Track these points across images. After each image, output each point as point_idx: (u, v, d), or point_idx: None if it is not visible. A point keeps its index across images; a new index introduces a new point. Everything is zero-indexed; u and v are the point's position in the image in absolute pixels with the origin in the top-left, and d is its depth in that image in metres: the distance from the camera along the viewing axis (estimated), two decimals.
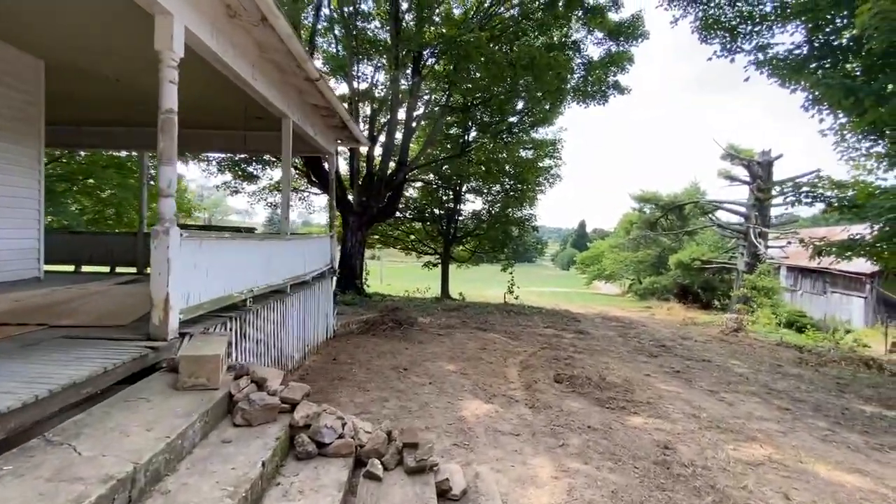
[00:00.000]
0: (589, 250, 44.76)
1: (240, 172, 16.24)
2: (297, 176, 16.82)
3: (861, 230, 7.04)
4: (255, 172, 16.28)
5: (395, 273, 41.28)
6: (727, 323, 16.30)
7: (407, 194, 22.29)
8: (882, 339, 15.04)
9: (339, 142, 8.52)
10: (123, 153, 14.74)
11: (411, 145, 17.60)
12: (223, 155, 16.64)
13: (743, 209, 22.27)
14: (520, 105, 16.76)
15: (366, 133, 16.48)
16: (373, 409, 4.93)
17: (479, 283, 32.35)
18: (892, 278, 13.90)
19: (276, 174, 17.35)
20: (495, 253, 20.04)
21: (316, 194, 18.12)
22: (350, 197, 15.76)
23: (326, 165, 8.08)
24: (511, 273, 17.66)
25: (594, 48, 20.41)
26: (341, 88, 16.67)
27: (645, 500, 3.34)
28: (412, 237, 22.50)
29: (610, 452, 4.18)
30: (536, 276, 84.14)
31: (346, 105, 16.24)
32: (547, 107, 14.24)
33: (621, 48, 15.32)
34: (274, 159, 16.17)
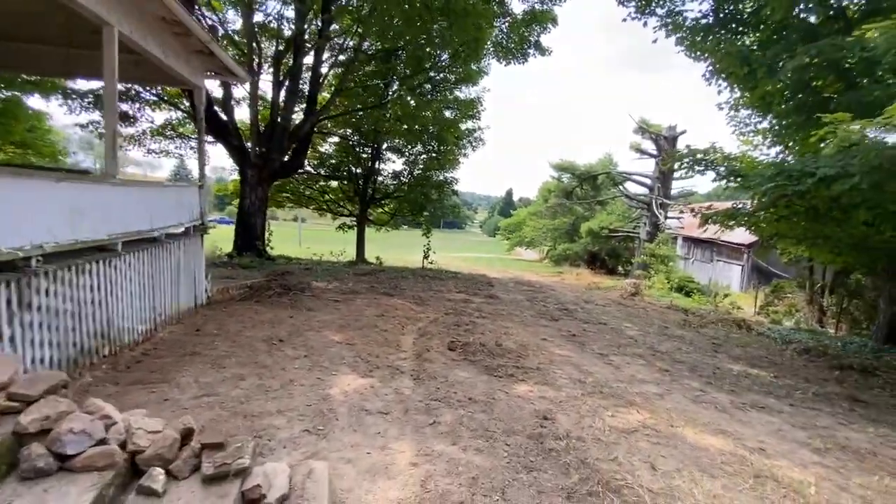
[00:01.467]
0: (511, 218, 45.73)
1: None
2: (186, 120, 14.60)
3: (744, 201, 7.40)
4: (130, 112, 13.78)
5: (316, 236, 39.05)
6: (626, 287, 17.34)
7: (322, 150, 20.70)
8: (753, 302, 16.88)
9: (210, 74, 7.14)
10: None
11: (323, 94, 16.06)
12: (92, 89, 13.90)
13: (648, 181, 23.60)
14: (443, 57, 15.79)
15: (270, 77, 14.64)
16: (220, 391, 4.16)
17: (402, 248, 31.70)
18: (765, 246, 15.46)
19: (159, 117, 14.92)
20: (414, 216, 19.39)
21: (211, 143, 15.96)
22: (249, 147, 14.03)
23: (199, 102, 6.75)
24: (428, 237, 17.18)
25: (518, 4, 19.64)
26: (239, 23, 14.52)
27: (507, 485, 3.00)
28: (328, 196, 21.07)
29: (483, 429, 3.83)
30: (463, 243, 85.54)
31: (245, 41, 14.19)
32: (466, 59, 13.43)
33: (545, 7, 14.83)
34: (156, 97, 13.81)
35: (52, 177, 3.66)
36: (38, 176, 3.56)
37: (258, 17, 13.58)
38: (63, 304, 3.81)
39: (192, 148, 16.26)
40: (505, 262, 40.77)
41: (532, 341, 7.24)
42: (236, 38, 14.83)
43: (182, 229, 6.47)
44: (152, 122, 14.57)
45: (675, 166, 7.82)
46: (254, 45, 13.91)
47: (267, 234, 15.11)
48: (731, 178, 6.81)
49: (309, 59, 14.48)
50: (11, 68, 7.05)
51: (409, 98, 14.02)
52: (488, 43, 13.64)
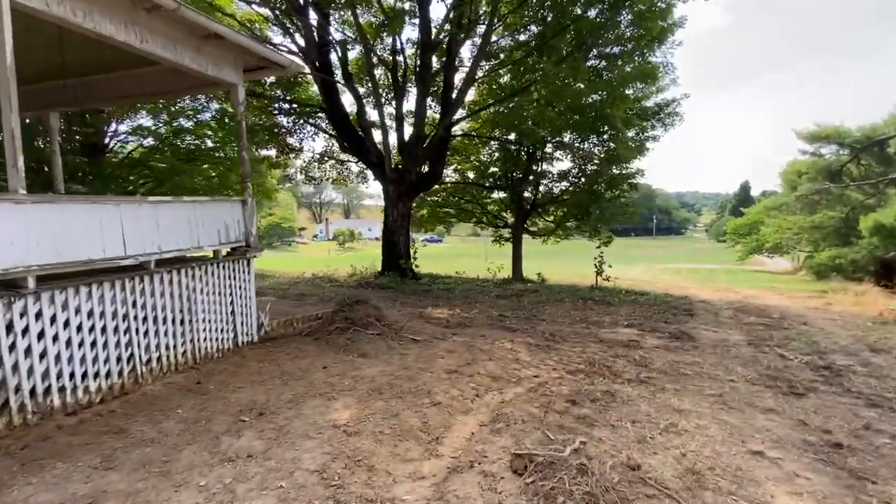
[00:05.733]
0: (744, 216, 35.29)
1: (282, 145, 15.00)
2: (333, 144, 15.06)
3: None
4: (294, 144, 14.95)
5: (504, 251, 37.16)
6: None
7: (484, 158, 19.08)
8: None
9: (254, 69, 6.03)
10: None
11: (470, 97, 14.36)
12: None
13: None
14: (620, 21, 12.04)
15: (413, 88, 13.71)
16: None
17: (586, 260, 27.50)
18: None
19: (318, 145, 15.78)
20: (580, 222, 15.71)
21: (353, 162, 16.11)
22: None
23: (235, 102, 5.68)
24: (599, 246, 13.45)
25: None
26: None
27: None
28: (492, 208, 19.25)
29: None
30: (682, 251, 72.70)
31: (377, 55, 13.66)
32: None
33: None
34: (314, 127, 14.58)
35: None
36: None
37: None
38: None
39: (355, 173, 16.89)
40: (735, 275, 31.49)
41: (726, 457, 3.49)
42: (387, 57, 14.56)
43: (210, 252, 5.38)
44: (312, 151, 15.56)
45: None
46: (398, 57, 13.33)
47: (413, 251, 14.13)
48: None
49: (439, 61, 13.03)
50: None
51: (558, 73, 10.83)
52: None
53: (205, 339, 5.22)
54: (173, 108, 15.23)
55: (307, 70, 6.62)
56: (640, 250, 73.72)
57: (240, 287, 5.74)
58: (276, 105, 13.78)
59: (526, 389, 4.83)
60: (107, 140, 16.37)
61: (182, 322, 4.91)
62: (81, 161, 15.35)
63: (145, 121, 15.66)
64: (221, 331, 5.48)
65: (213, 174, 16.03)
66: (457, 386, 4.77)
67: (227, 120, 14.57)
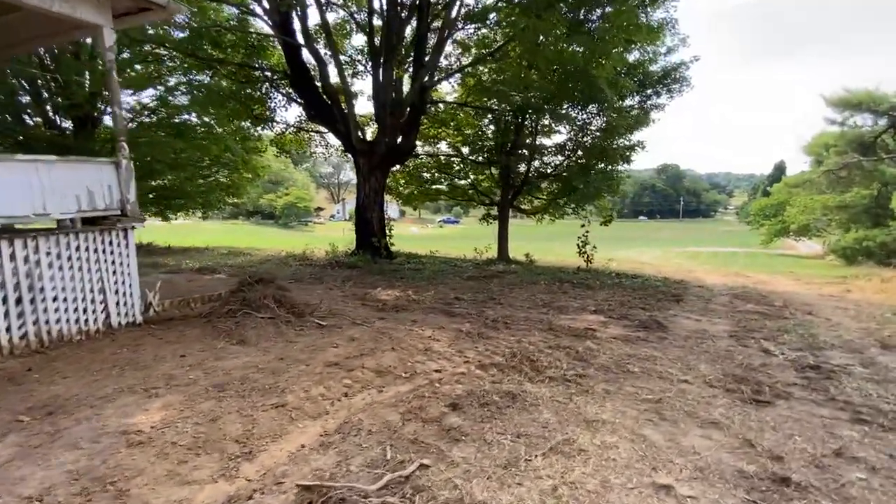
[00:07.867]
0: (770, 196, 32.84)
1: (251, 114, 14.10)
2: (301, 114, 14.15)
3: None
4: (265, 113, 14.04)
5: (527, 233, 34.51)
6: None
7: (476, 130, 17.83)
8: None
9: (129, 13, 5.17)
10: None
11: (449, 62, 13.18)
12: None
13: None
14: None
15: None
16: None
17: (600, 242, 26.14)
18: None
19: (291, 115, 14.88)
20: (566, 198, 14.45)
21: (324, 133, 15.17)
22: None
23: (102, 46, 4.84)
24: (585, 226, 12.31)
25: None
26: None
27: None
28: (486, 184, 18.10)
29: None
30: (708, 234, 69.63)
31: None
32: None
33: None
34: (283, 97, 13.71)
35: None
36: None
37: None
38: None
39: (335, 146, 16.02)
40: (756, 258, 29.56)
41: (616, 492, 2.56)
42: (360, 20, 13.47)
43: (69, 218, 4.66)
44: (284, 122, 14.68)
45: None
46: (375, 20, 12.26)
47: (388, 229, 13.29)
48: None
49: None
50: None
51: (535, 28, 9.44)
52: None
53: (57, 320, 4.54)
54: (167, 84, 14.88)
55: (184, 10, 5.80)
56: (662, 233, 70.93)
57: (112, 261, 5.03)
58: (245, 72, 12.96)
59: (411, 388, 3.97)
60: (97, 115, 16.15)
61: (20, 301, 4.23)
62: (63, 135, 15.16)
63: (143, 98, 15.40)
64: (85, 311, 4.80)
65: (202, 141, 15.72)
66: (326, 383, 3.95)
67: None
